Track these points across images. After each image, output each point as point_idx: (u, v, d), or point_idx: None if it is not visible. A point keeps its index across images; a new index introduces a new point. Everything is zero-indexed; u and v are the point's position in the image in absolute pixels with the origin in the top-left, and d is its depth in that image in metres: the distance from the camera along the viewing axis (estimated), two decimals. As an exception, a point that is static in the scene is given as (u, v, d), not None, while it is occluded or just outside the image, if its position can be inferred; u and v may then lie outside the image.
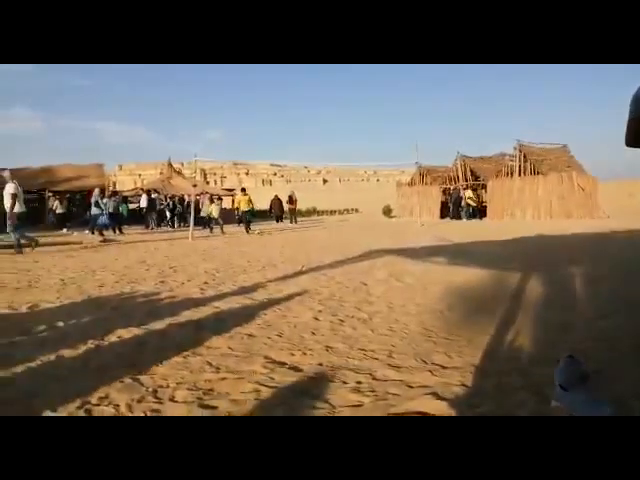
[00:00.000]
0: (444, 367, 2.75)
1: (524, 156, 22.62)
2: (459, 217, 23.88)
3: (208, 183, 54.74)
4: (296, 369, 2.75)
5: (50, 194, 22.16)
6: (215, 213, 17.55)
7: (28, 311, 4.24)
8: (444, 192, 26.67)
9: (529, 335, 3.32)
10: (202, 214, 18.48)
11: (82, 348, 3.10)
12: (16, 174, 24.42)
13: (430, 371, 2.69)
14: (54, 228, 18.57)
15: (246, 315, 4.03)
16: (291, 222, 21.77)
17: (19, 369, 2.71)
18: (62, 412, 2.15)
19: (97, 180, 23.50)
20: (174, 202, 22.94)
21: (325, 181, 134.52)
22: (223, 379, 2.59)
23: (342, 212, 47.15)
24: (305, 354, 3.02)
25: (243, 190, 18.32)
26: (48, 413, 2.12)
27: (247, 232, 16.03)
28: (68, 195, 22.55)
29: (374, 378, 2.59)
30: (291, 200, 22.31)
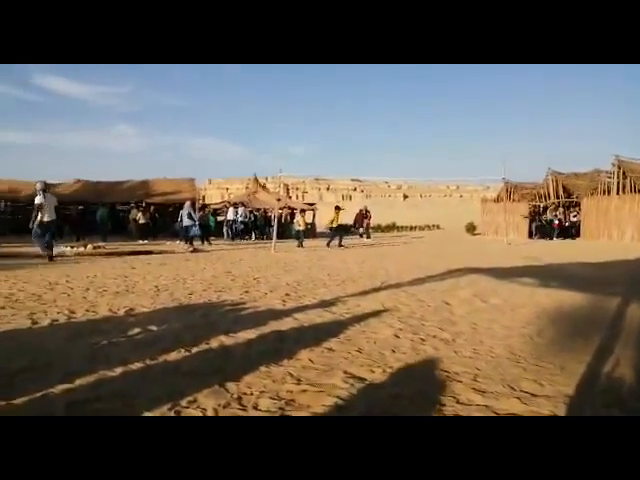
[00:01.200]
0: (534, 395, 2.59)
1: (623, 173, 21.01)
2: (548, 236, 22.60)
3: (290, 197, 56.18)
4: (376, 386, 2.72)
5: (132, 205, 23.36)
6: (301, 226, 18.00)
7: (125, 315, 4.56)
8: (532, 210, 25.39)
9: (631, 366, 3.05)
10: (296, 227, 18.77)
11: (174, 352, 3.28)
12: (117, 187, 26.37)
13: (518, 398, 2.55)
14: (134, 238, 19.25)
15: (326, 328, 4.06)
16: (367, 237, 21.68)
17: (118, 368, 2.92)
18: (155, 413, 2.28)
19: (189, 194, 24.92)
20: (255, 215, 23.76)
21: (405, 197, 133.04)
22: (304, 391, 2.63)
23: (423, 228, 46.32)
24: (385, 371, 2.99)
25: (337, 208, 18.53)
26: (144, 413, 2.27)
27: (339, 246, 16.31)
28: (152, 207, 23.96)
29: (458, 402, 2.50)
30: (365, 215, 22.23)
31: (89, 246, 13.14)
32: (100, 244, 14.36)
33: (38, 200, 10.07)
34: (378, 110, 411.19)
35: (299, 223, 18.15)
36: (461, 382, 2.81)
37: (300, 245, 16.61)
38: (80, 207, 22.88)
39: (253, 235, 22.80)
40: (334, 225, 17.45)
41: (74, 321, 4.25)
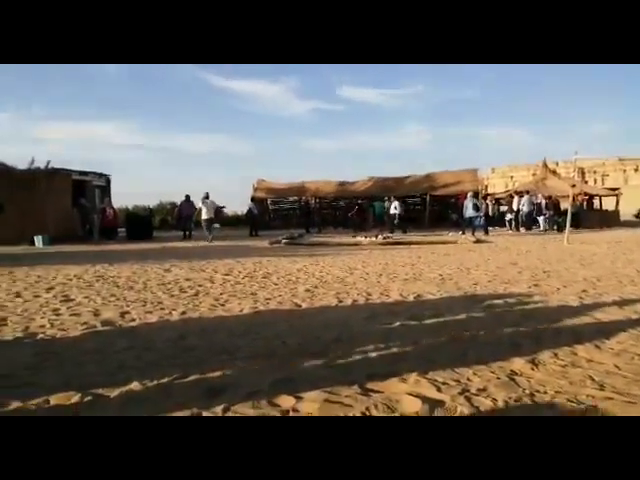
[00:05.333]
0: None
1: None
2: None
3: (587, 182, 49.57)
4: None
5: (386, 199, 24.11)
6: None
7: (414, 300, 4.87)
8: None
9: None
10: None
11: (462, 338, 3.35)
12: (402, 182, 27.90)
13: None
14: (391, 229, 19.70)
15: (635, 332, 3.49)
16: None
17: (409, 347, 3.15)
18: (445, 395, 2.39)
19: (471, 185, 24.66)
20: (546, 204, 21.78)
21: None
22: (609, 398, 2.34)
23: None
24: None
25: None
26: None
27: None
28: (404, 198, 24.38)
29: None
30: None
31: (379, 236, 14.41)
32: (389, 234, 15.58)
33: (201, 205, 16.16)
34: None
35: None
36: None
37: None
38: (361, 201, 25.28)
39: (542, 225, 20.99)
40: None
41: (371, 302, 4.76)
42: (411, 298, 4.95)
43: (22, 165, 16.07)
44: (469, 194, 17.04)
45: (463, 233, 16.25)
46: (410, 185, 28.09)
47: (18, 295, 5.41)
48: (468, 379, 2.58)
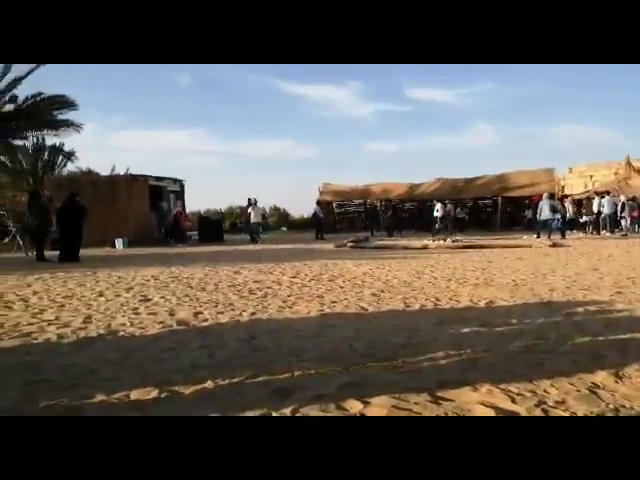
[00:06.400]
0: None
1: None
2: None
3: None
4: None
5: (436, 201, 23.59)
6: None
7: (485, 306, 4.70)
8: None
9: None
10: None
11: (536, 347, 3.19)
12: (473, 183, 27.28)
13: None
14: (442, 232, 19.66)
15: None
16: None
17: (482, 354, 3.04)
18: (521, 408, 2.28)
19: (547, 185, 23.53)
20: (631, 205, 20.24)
21: None
22: None
23: None
24: None
25: None
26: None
27: None
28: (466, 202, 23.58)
29: None
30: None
31: (448, 239, 14.06)
32: (458, 237, 15.16)
33: (249, 210, 18.12)
34: None
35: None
36: None
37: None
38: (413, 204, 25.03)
39: (624, 228, 19.55)
40: None
41: (439, 308, 4.66)
42: (482, 304, 4.78)
43: (104, 172, 17.29)
44: (544, 195, 16.22)
45: (538, 236, 15.48)
46: (481, 186, 27.22)
47: (101, 294, 5.78)
48: (545, 391, 2.45)
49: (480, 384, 2.53)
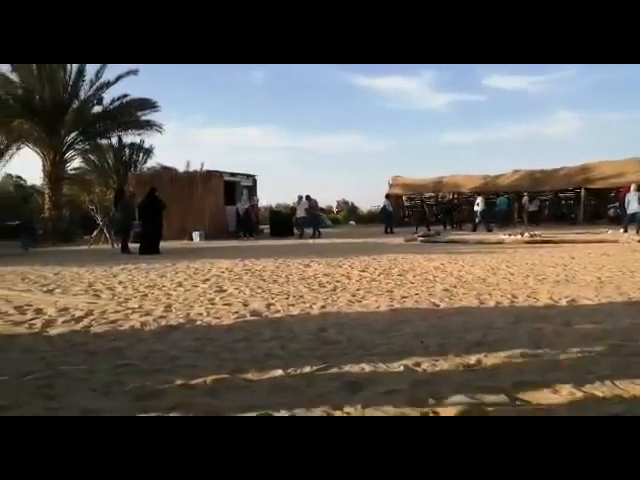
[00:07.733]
0: None
1: None
2: None
3: None
4: None
5: (524, 194, 22.52)
6: None
7: (567, 305, 4.44)
8: None
9: None
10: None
11: (618, 351, 2.98)
12: (553, 174, 25.93)
13: None
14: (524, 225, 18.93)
15: None
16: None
17: (563, 355, 2.89)
18: (603, 412, 2.15)
19: (636, 176, 21.77)
20: None
21: None
22: None
23: None
24: None
25: None
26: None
27: None
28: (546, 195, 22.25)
29: None
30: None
31: (525, 234, 13.42)
32: (536, 232, 14.44)
33: (297, 205, 18.63)
34: None
35: None
36: None
37: None
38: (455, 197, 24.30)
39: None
40: None
41: (516, 305, 4.46)
42: (563, 302, 4.53)
43: (182, 168, 18.12)
44: (633, 186, 15.01)
45: (626, 231, 14.39)
46: (562, 178, 25.68)
47: (180, 285, 6.07)
48: (634, 396, 2.29)
49: (561, 386, 2.40)
